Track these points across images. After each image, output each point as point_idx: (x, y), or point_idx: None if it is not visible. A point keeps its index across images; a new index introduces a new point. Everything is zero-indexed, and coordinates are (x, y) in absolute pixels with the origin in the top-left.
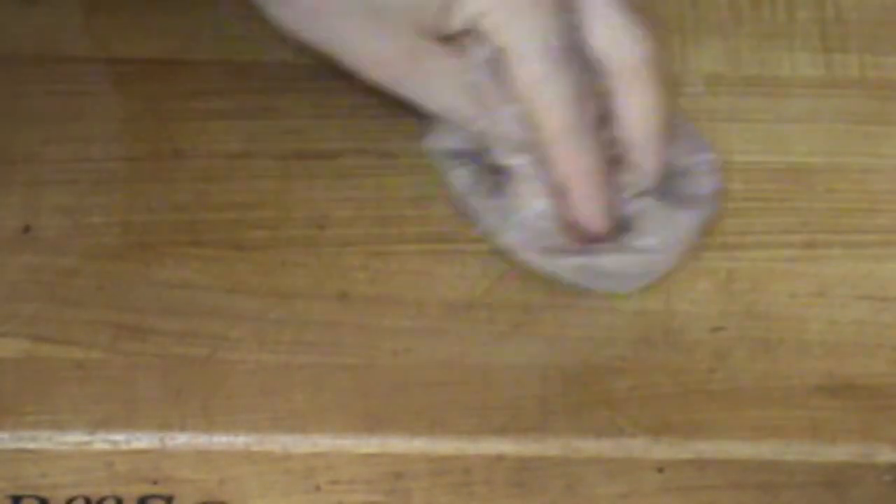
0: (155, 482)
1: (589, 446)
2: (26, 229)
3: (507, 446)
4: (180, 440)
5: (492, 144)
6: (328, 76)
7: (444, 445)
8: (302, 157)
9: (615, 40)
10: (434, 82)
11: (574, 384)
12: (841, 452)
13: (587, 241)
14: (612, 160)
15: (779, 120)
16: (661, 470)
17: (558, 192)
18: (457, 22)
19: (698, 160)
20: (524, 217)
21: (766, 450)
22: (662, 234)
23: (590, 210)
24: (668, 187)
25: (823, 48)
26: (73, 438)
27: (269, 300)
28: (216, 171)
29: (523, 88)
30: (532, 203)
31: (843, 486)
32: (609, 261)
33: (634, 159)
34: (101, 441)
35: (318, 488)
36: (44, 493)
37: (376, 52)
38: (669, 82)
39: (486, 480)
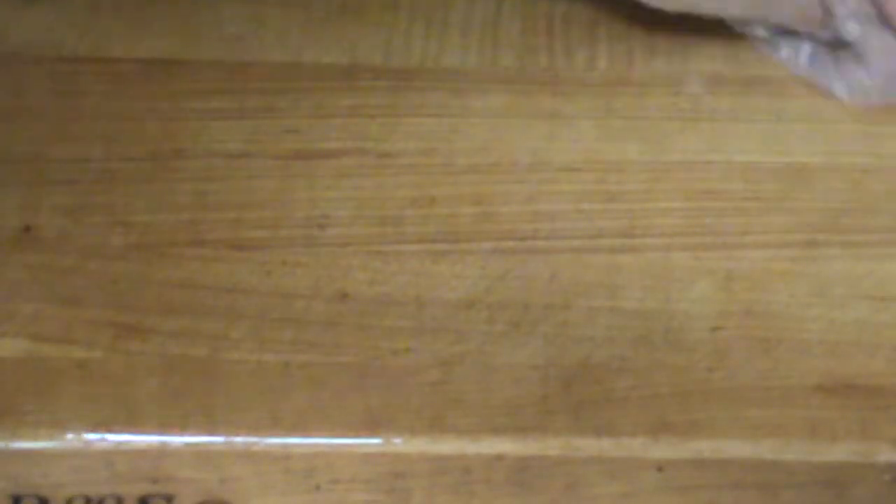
0: (155, 481)
1: (589, 446)
2: (26, 229)
3: (507, 446)
4: (180, 440)
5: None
6: (328, 76)
7: (444, 445)
8: (302, 157)
9: None
10: None
11: (574, 384)
12: (841, 452)
13: None
14: None
15: (779, 120)
16: (660, 469)
17: None
18: None
19: None
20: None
21: (765, 449)
22: None
23: None
24: None
25: None
26: (73, 438)
27: (269, 300)
28: (216, 171)
29: None
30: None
31: (842, 486)
32: None
33: None
34: (101, 441)
35: (318, 488)
36: (44, 493)
37: None
38: None
39: (486, 480)
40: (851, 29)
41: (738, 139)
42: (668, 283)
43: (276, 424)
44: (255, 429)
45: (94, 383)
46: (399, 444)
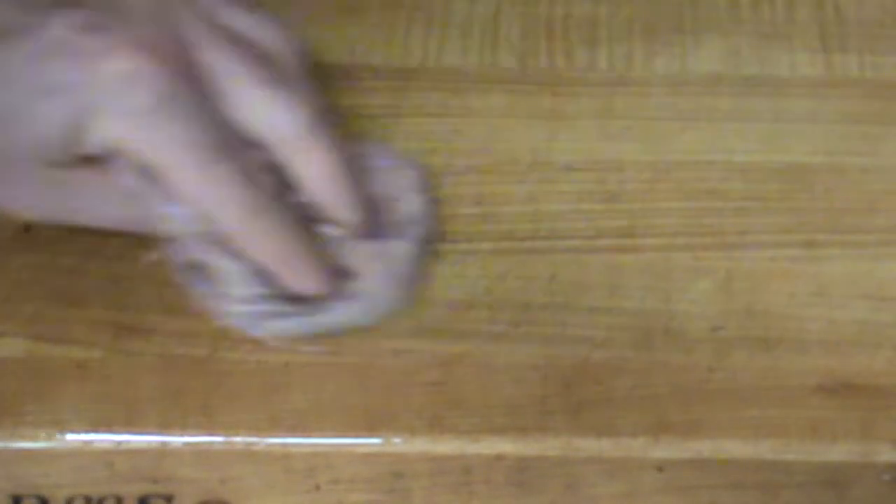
0: (155, 482)
1: (589, 446)
2: (26, 229)
3: (507, 446)
4: (180, 440)
5: (182, 241)
6: (328, 76)
7: (444, 445)
8: None
9: (267, 116)
10: (91, 202)
11: (574, 384)
12: (841, 452)
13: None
14: (309, 218)
15: (779, 120)
16: (660, 469)
17: (265, 273)
18: (89, 150)
19: (400, 182)
20: (238, 301)
21: (765, 449)
22: (377, 271)
23: (302, 281)
24: (378, 221)
25: (823, 48)
26: (73, 438)
27: None
28: None
29: (187, 194)
30: (242, 289)
31: (842, 486)
32: (335, 315)
33: (331, 216)
34: (101, 441)
35: (318, 488)
36: (44, 493)
37: (21, 194)
38: (337, 124)
39: (486, 480)
40: (200, 255)
41: (738, 139)
42: (668, 283)
43: (276, 424)
44: (255, 429)
45: (94, 383)
46: (399, 444)
